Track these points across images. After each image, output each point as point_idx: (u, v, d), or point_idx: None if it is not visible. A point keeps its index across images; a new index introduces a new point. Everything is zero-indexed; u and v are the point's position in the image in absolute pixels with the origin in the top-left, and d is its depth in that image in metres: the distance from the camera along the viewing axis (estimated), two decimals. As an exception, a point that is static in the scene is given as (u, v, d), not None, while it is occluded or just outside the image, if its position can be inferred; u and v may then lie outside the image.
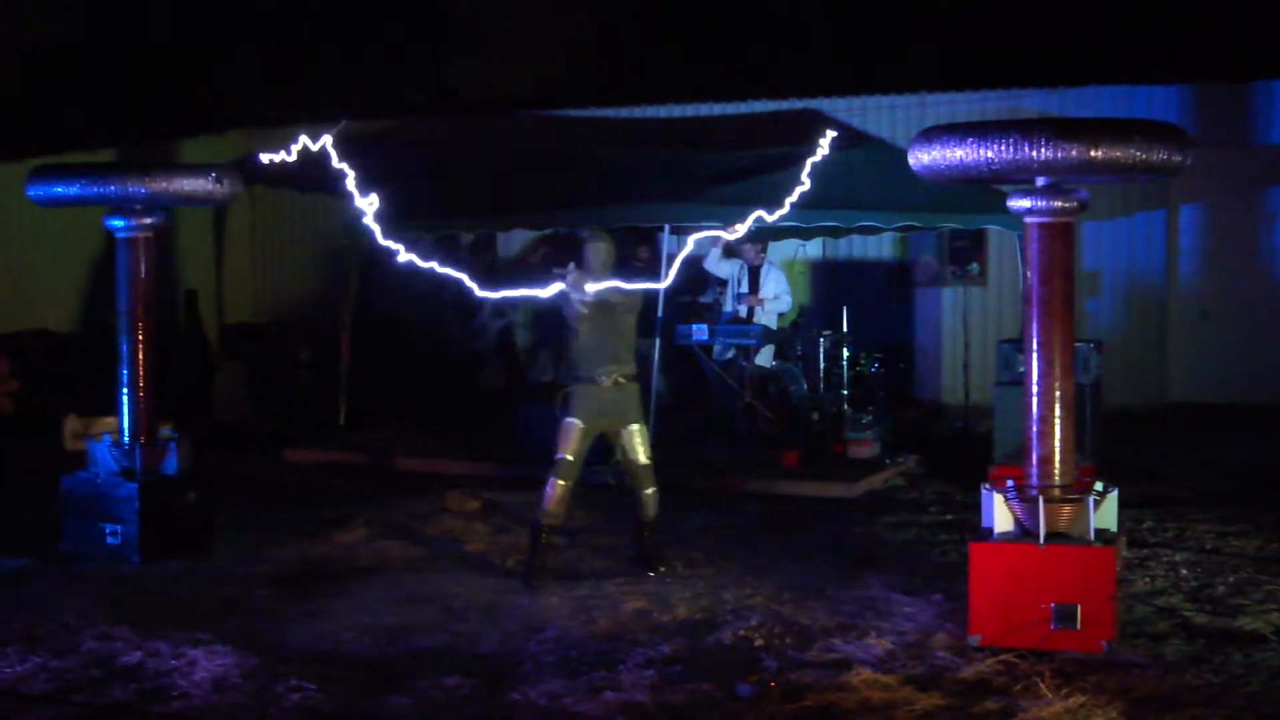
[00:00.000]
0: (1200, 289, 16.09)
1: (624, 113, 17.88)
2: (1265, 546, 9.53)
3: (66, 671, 7.13)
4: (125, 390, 9.66)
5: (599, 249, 9.04)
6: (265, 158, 8.10)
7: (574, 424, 8.95)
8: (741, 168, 13.41)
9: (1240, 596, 8.30)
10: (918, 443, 13.36)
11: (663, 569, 9.00)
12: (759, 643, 7.51)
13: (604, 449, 9.31)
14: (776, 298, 14.02)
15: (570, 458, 8.93)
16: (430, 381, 16.38)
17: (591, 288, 8.85)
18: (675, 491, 9.22)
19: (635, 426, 9.05)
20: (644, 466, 9.08)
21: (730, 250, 14.04)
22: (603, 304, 8.91)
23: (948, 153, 7.22)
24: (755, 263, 14.12)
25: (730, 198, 12.66)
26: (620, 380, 8.98)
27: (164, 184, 9.33)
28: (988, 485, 7.67)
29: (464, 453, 12.98)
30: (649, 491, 9.10)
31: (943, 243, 16.40)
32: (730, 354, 13.67)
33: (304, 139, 7.98)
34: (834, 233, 15.11)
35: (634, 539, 9.26)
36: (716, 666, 7.10)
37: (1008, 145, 7.01)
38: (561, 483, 8.92)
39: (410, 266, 8.41)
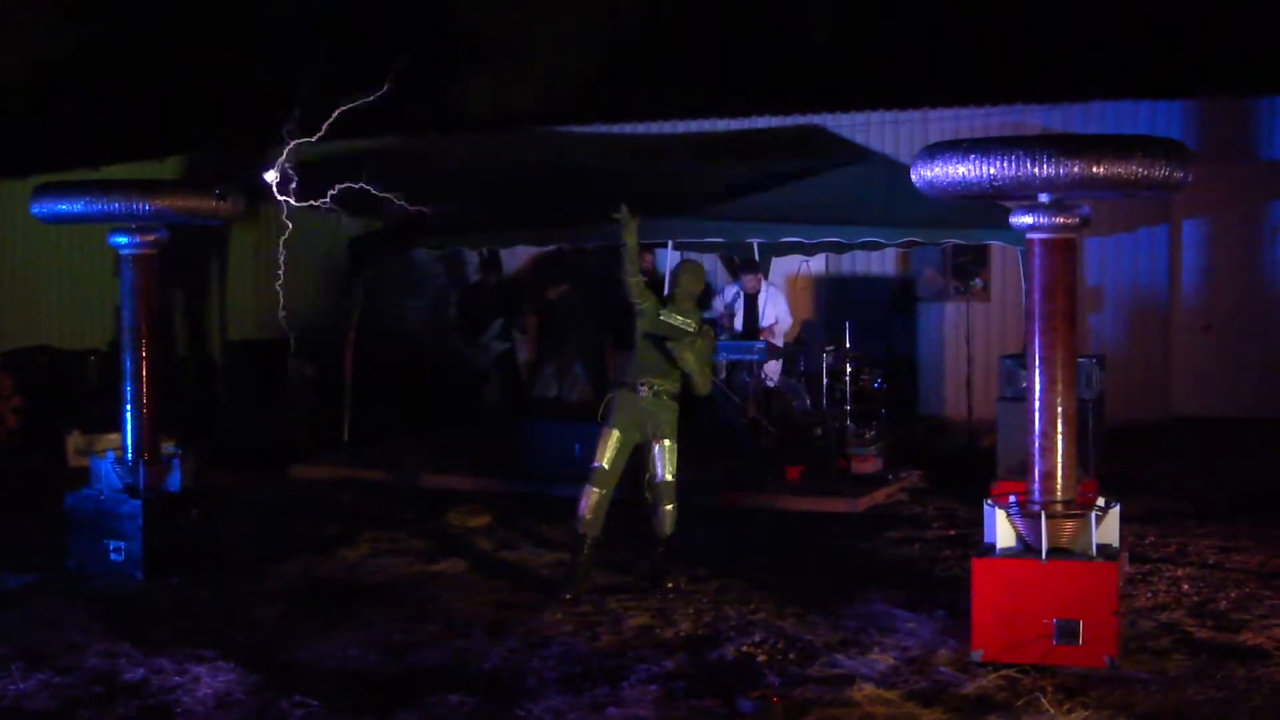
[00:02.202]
0: (1203, 303, 16.09)
1: (628, 129, 17.90)
2: (1268, 561, 9.53)
3: (70, 688, 7.14)
4: (129, 407, 9.68)
5: (683, 274, 9.25)
6: (270, 176, 8.13)
7: (610, 432, 9.05)
8: (745, 184, 13.44)
9: (1243, 611, 8.30)
10: (920, 458, 13.36)
11: (672, 585, 9.02)
12: (762, 658, 7.51)
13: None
14: (776, 322, 14.07)
15: (605, 466, 9.01)
16: (433, 398, 16.40)
17: (666, 317, 9.11)
18: (679, 507, 9.23)
19: (667, 442, 9.11)
20: (667, 483, 9.12)
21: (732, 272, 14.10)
22: (667, 325, 9.09)
23: (950, 169, 7.24)
24: (751, 290, 14.16)
25: (733, 214, 12.70)
26: (661, 394, 9.06)
27: (167, 201, 9.37)
28: (990, 501, 7.68)
29: (468, 469, 12.98)
30: (668, 508, 9.14)
31: (946, 258, 16.40)
32: (723, 373, 13.69)
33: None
34: (837, 248, 15.12)
35: (646, 554, 9.28)
36: (719, 682, 7.11)
37: (1010, 162, 7.03)
38: (596, 490, 8.99)
39: (412, 283, 8.52)
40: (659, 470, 9.10)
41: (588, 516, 9.01)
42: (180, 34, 23.91)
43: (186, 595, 9.05)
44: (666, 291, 9.46)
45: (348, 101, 8.89)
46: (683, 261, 9.43)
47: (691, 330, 9.11)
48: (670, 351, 8.98)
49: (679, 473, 9.20)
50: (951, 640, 7.68)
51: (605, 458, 9.04)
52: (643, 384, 9.07)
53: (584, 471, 9.13)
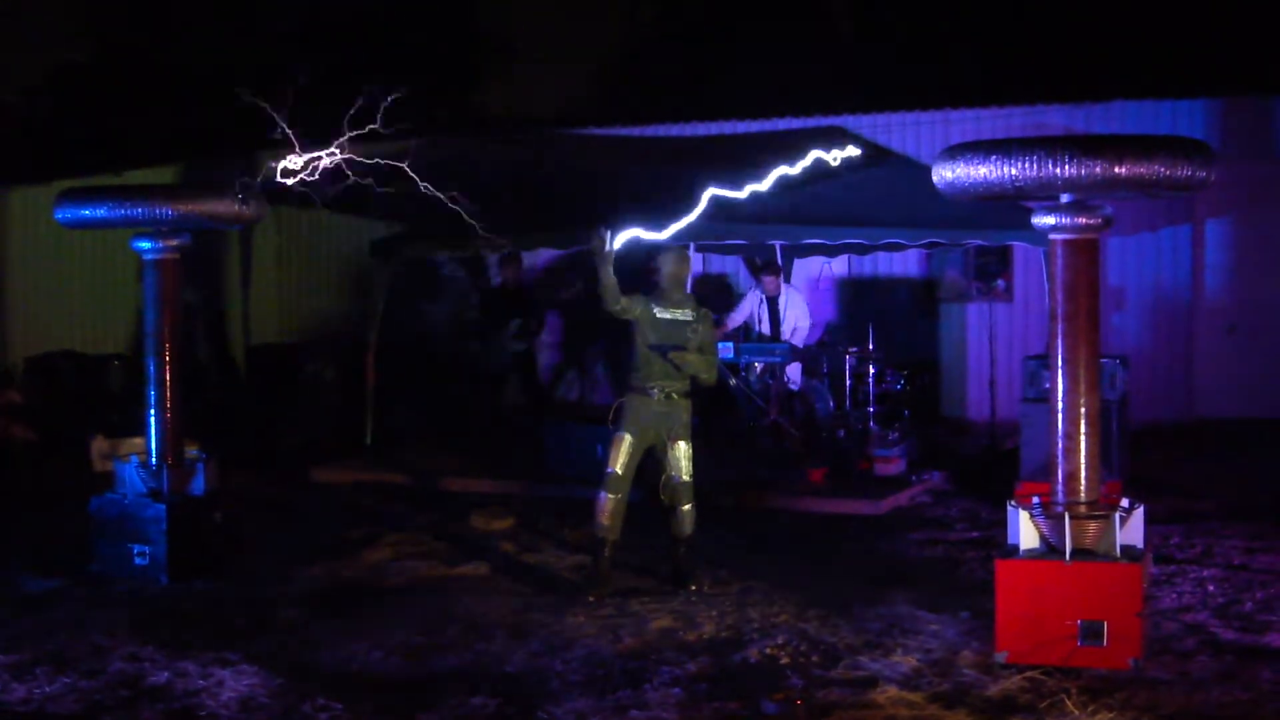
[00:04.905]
0: (1226, 304, 16.02)
1: (648, 131, 17.89)
2: (1294, 562, 9.50)
3: (95, 692, 7.17)
4: (152, 411, 9.71)
5: (667, 262, 9.15)
6: (290, 178, 8.15)
7: (623, 437, 9.03)
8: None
9: (1269, 613, 8.27)
10: (943, 460, 13.33)
11: (694, 587, 9.01)
12: (785, 661, 7.51)
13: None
14: (795, 330, 14.04)
15: (619, 471, 8.99)
16: (454, 400, 16.42)
17: (660, 313, 9.02)
18: (701, 509, 9.23)
19: (682, 444, 9.10)
20: (684, 484, 9.11)
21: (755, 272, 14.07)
22: (666, 322, 9.02)
23: (972, 170, 7.23)
24: (771, 293, 14.12)
25: (755, 216, 12.66)
26: (672, 395, 9.03)
27: (190, 206, 9.39)
28: (1014, 502, 7.66)
29: (490, 471, 12.99)
30: (686, 508, 9.13)
31: (968, 259, 16.37)
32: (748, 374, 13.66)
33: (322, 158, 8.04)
34: (859, 250, 15.11)
35: (668, 555, 9.28)
36: (742, 685, 7.11)
37: (1032, 163, 7.02)
38: (611, 496, 8.99)
39: (433, 286, 8.49)
40: (677, 471, 9.08)
41: (605, 522, 9.00)
42: (199, 38, 23.97)
43: (210, 599, 9.07)
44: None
45: None
46: (663, 250, 9.19)
47: (689, 319, 9.07)
48: (673, 361, 8.94)
49: (695, 472, 9.19)
50: (975, 642, 7.66)
51: (619, 463, 9.02)
52: (653, 387, 9.03)
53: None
